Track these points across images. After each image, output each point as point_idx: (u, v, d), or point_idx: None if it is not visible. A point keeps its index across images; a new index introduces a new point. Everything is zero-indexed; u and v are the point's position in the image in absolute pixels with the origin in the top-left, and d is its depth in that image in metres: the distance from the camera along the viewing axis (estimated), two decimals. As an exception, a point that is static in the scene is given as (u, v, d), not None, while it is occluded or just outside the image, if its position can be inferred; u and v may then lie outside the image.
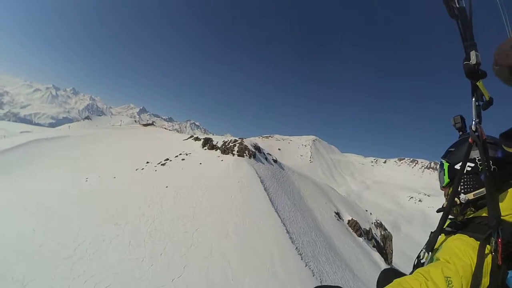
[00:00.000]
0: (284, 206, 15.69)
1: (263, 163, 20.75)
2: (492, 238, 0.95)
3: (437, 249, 1.14)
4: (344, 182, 68.47)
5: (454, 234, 1.11)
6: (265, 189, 16.17)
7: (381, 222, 27.72)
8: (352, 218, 21.33)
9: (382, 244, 22.87)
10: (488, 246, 0.94)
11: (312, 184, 24.98)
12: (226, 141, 21.58)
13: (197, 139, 26.77)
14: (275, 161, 23.36)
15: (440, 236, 1.19)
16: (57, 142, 27.22)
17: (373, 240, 21.40)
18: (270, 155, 23.75)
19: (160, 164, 17.92)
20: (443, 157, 1.40)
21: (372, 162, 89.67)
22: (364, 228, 21.39)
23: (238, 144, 20.23)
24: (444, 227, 1.18)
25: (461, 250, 0.97)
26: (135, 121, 60.22)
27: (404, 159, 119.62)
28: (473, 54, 1.04)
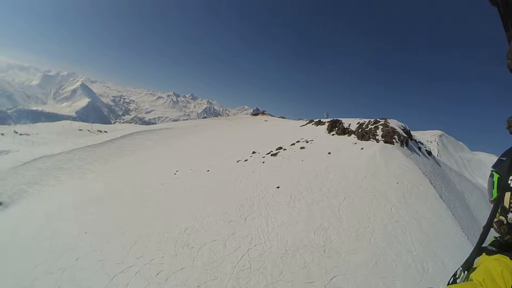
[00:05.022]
0: (467, 227, 8.79)
1: (419, 155, 13.33)
2: None
3: (475, 268, 0.99)
4: (476, 185, 53.26)
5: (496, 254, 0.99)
6: (440, 197, 9.25)
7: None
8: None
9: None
10: None
11: (474, 188, 16.81)
12: (363, 123, 15.01)
13: (319, 123, 20.94)
14: (429, 153, 15.38)
15: (482, 256, 1.04)
16: (159, 133, 26.87)
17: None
18: (422, 144, 15.86)
19: (270, 155, 13.04)
20: (494, 167, 1.14)
21: (507, 162, 70.23)
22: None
23: (381, 126, 13.36)
24: (488, 244, 1.05)
25: (498, 272, 0.85)
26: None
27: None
28: None
